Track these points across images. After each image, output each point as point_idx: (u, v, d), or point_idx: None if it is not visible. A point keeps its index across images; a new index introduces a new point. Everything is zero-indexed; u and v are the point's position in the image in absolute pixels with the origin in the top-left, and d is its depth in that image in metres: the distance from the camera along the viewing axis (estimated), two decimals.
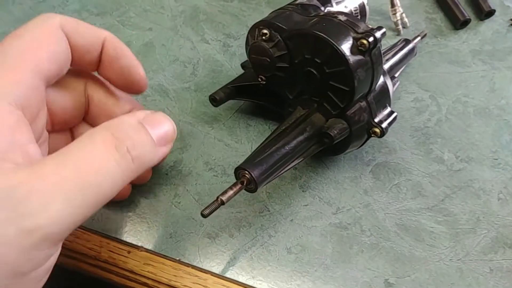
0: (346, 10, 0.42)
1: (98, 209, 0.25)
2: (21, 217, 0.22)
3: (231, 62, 0.49)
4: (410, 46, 0.47)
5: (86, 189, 0.24)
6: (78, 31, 0.30)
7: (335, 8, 0.41)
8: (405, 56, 0.46)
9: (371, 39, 0.32)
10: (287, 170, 0.35)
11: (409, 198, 0.40)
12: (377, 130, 0.37)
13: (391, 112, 0.38)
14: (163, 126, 0.30)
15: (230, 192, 0.31)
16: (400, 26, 0.52)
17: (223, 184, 0.40)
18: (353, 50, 0.32)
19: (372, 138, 0.39)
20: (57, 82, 0.29)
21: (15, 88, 0.25)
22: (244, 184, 0.32)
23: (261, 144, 0.35)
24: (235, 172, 0.33)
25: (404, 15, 0.52)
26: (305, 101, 0.37)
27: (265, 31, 0.36)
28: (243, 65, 0.46)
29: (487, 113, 0.46)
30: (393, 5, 0.52)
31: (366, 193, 0.40)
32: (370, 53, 0.33)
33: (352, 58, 0.32)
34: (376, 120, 0.37)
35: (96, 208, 0.25)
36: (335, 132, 0.35)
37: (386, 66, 0.42)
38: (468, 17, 0.52)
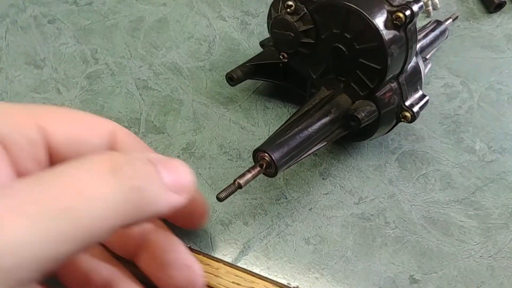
0: None
1: (85, 246, 0.18)
2: None
3: (249, 41, 0.46)
4: (442, 27, 0.43)
5: (62, 214, 0.17)
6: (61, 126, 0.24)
7: None
8: (436, 37, 0.42)
9: (407, 12, 0.29)
10: (309, 154, 0.32)
11: (437, 190, 0.37)
12: (407, 114, 0.34)
13: (423, 96, 0.35)
14: (179, 173, 0.23)
15: (248, 176, 0.28)
16: (430, 8, 0.49)
17: (237, 169, 0.38)
18: (388, 24, 0.29)
19: (398, 125, 0.37)
20: None
21: None
22: (263, 167, 0.29)
23: (281, 126, 0.32)
24: (253, 155, 0.30)
25: None
26: (330, 81, 0.34)
27: (290, 2, 0.33)
28: (262, 44, 0.43)
29: None
30: None
31: (391, 182, 0.37)
32: (406, 29, 0.30)
33: (386, 33, 0.29)
34: (407, 103, 0.34)
35: (79, 243, 0.18)
36: (363, 114, 0.32)
37: (417, 47, 0.39)
38: (503, 0, 0.49)
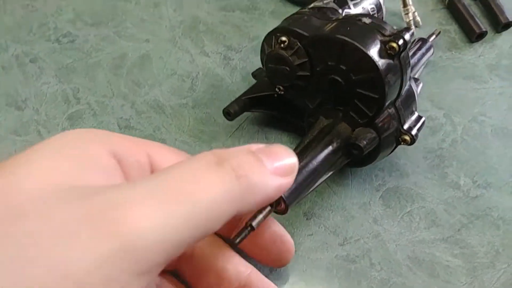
0: (363, 11, 0.39)
1: (204, 232, 0.21)
2: (95, 223, 0.18)
3: (232, 76, 0.46)
4: (427, 45, 0.44)
5: (184, 201, 0.19)
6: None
7: (353, 10, 0.39)
8: (423, 55, 0.44)
9: (400, 41, 0.29)
10: (317, 186, 0.32)
11: (422, 228, 0.37)
12: (407, 137, 0.34)
13: (419, 117, 0.36)
14: (281, 157, 0.25)
15: (260, 216, 0.27)
16: (413, 27, 0.49)
17: None
18: (382, 54, 0.30)
19: (383, 160, 0.37)
20: None
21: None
22: (274, 206, 0.29)
23: None
24: None
25: (416, 13, 0.50)
26: (328, 110, 0.34)
27: (283, 38, 0.33)
28: (254, 74, 0.43)
29: (506, 133, 0.43)
30: (405, 4, 0.49)
31: (375, 221, 0.37)
32: (399, 57, 0.30)
33: (381, 63, 0.30)
34: (405, 127, 0.34)
35: (199, 228, 0.20)
36: (365, 143, 0.32)
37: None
38: (484, 30, 0.49)
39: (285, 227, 0.36)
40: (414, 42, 0.45)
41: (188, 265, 0.30)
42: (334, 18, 0.35)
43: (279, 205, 0.29)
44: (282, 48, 0.34)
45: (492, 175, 0.40)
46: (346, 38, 0.30)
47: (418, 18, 0.50)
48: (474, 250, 0.36)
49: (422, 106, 0.44)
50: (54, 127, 0.42)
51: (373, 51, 0.30)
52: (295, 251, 0.35)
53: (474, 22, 0.50)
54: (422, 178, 0.40)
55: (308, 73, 0.34)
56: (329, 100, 0.34)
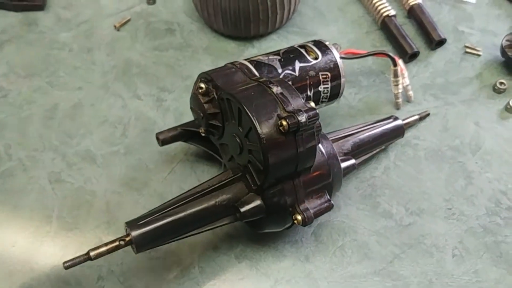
0: (312, 74, 0.38)
1: None
2: None
3: (165, 119, 0.46)
4: (395, 125, 0.41)
5: None
6: None
7: (296, 73, 0.37)
8: (384, 134, 0.41)
9: (292, 121, 0.28)
10: (187, 236, 0.31)
11: (354, 262, 0.36)
12: (299, 217, 0.32)
13: (326, 201, 0.33)
14: None
15: (103, 249, 0.29)
16: (400, 100, 0.46)
17: (151, 262, 0.37)
18: (273, 129, 0.29)
19: None
20: None
21: None
22: (125, 242, 0.29)
23: (165, 203, 0.32)
24: (125, 227, 0.30)
25: (410, 87, 0.46)
26: (235, 167, 0.34)
27: (202, 85, 0.34)
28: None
29: (439, 155, 0.42)
30: (395, 75, 0.45)
31: (307, 259, 0.37)
32: (295, 135, 0.29)
33: (268, 137, 0.29)
34: (302, 207, 0.32)
35: None
36: (245, 209, 0.31)
37: (348, 146, 0.38)
38: (416, 50, 0.49)
39: (216, 272, 0.36)
40: (385, 118, 0.42)
41: None
42: (255, 78, 0.33)
43: (131, 244, 0.30)
44: (201, 94, 0.34)
45: (425, 200, 0.40)
46: (243, 105, 0.29)
47: (411, 93, 0.46)
48: (406, 281, 0.35)
49: None
50: None
51: (264, 124, 0.29)
52: None
53: (406, 43, 0.50)
54: (354, 209, 0.39)
55: (220, 125, 0.34)
56: (235, 157, 0.34)
